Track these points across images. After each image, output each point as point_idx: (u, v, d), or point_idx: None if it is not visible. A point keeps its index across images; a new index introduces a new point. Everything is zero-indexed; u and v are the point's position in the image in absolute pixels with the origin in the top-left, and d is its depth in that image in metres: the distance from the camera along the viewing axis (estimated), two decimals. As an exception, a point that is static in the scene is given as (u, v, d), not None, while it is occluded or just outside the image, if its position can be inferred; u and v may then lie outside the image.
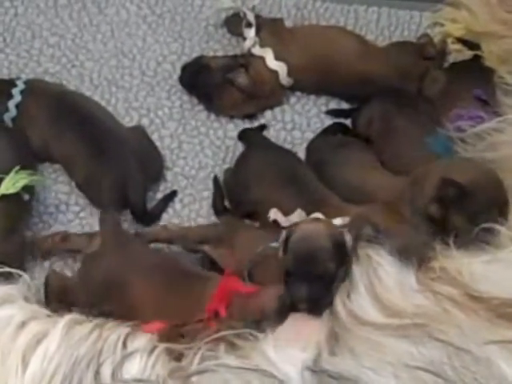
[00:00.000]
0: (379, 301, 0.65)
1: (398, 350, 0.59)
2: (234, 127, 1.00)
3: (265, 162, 0.92)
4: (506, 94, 0.87)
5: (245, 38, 1.04)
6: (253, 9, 1.06)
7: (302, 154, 0.97)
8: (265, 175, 0.90)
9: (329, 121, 1.00)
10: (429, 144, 0.90)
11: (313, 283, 0.72)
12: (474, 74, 0.98)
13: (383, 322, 0.63)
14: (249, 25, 1.04)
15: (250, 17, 1.04)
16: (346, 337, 0.63)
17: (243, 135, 0.99)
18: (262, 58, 1.01)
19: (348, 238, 0.74)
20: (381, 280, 0.67)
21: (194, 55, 1.05)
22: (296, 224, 0.78)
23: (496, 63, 1.01)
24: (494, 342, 0.57)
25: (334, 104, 1.02)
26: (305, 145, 0.98)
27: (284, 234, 0.76)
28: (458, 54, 1.06)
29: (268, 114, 1.02)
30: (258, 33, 1.02)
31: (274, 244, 0.79)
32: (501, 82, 0.94)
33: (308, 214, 0.84)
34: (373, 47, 1.03)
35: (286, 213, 0.85)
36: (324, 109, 1.02)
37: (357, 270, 0.69)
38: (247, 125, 1.01)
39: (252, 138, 0.98)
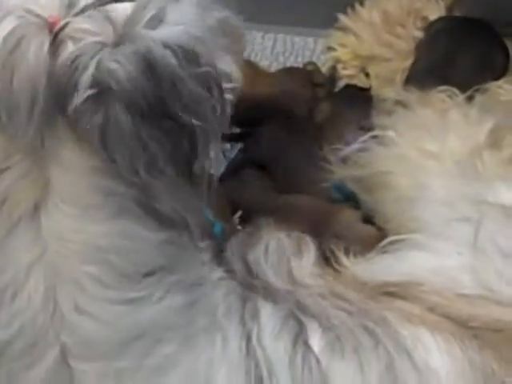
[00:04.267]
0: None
1: None
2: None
3: None
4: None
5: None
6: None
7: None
8: None
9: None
10: (329, 190, 0.94)
11: None
12: (357, 100, 1.03)
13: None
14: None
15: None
16: None
17: None
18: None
19: None
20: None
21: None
22: None
23: (382, 84, 1.08)
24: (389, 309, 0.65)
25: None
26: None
27: None
28: (349, 79, 1.12)
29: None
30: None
31: None
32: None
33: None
34: (260, 72, 1.08)
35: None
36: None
37: None
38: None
39: None
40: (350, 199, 0.91)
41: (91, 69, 0.57)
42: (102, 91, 0.57)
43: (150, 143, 0.59)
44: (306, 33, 1.18)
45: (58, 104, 0.58)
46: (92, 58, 0.57)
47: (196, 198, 0.64)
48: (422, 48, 1.07)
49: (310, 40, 1.17)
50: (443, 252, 0.68)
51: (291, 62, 1.15)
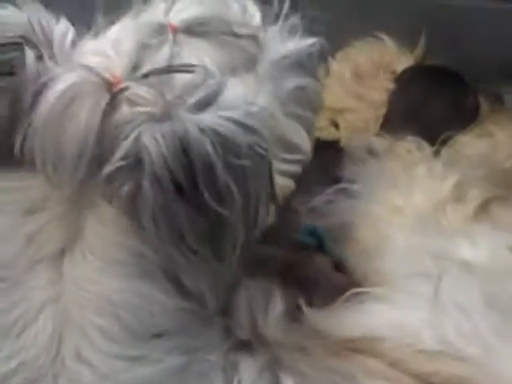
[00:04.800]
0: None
1: None
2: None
3: None
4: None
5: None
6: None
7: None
8: None
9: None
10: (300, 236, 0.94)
11: None
12: (326, 151, 1.04)
13: None
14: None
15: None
16: None
17: None
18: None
19: None
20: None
21: None
22: None
23: (353, 135, 1.08)
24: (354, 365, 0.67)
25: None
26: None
27: None
28: (320, 131, 1.12)
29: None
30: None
31: None
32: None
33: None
34: None
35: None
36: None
37: None
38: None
39: None
40: (322, 244, 0.92)
41: (130, 140, 0.58)
42: (135, 163, 0.58)
43: (179, 219, 0.58)
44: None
45: (101, 162, 0.60)
46: (135, 128, 0.58)
47: (221, 276, 0.65)
48: (394, 97, 1.09)
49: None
50: (404, 306, 0.69)
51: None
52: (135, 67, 0.63)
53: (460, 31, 1.12)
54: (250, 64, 0.68)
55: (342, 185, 0.87)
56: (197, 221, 0.59)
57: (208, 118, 0.58)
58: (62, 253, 0.63)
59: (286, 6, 0.72)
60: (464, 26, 1.11)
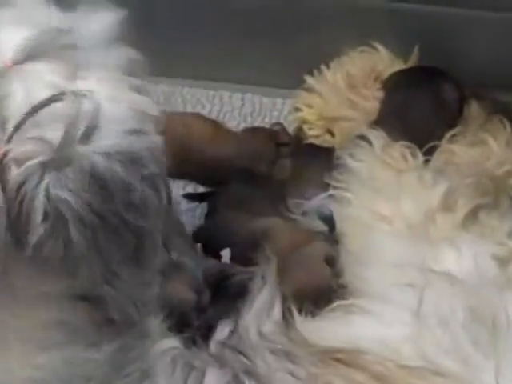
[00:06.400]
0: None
1: None
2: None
3: None
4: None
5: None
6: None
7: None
8: None
9: (185, 204, 1.05)
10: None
11: None
12: (319, 157, 1.04)
13: None
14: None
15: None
16: None
17: None
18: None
19: None
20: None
21: None
22: None
23: (347, 142, 1.08)
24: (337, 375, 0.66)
25: (190, 188, 1.08)
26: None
27: None
28: (315, 139, 1.13)
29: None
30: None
31: None
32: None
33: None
34: (225, 132, 1.08)
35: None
36: (181, 192, 1.07)
37: None
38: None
39: None
40: (333, 229, 0.91)
41: (41, 200, 0.55)
42: (57, 220, 0.56)
43: (105, 249, 0.58)
44: (274, 93, 1.20)
45: (17, 237, 0.57)
46: (37, 185, 0.55)
47: (149, 290, 0.65)
48: (382, 104, 1.09)
49: (279, 101, 1.19)
50: (387, 320, 0.69)
51: (259, 123, 1.17)
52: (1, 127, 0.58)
53: (454, 40, 1.12)
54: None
55: (332, 191, 0.87)
56: (121, 244, 0.59)
57: (104, 142, 0.57)
58: None
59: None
60: (458, 35, 1.12)
